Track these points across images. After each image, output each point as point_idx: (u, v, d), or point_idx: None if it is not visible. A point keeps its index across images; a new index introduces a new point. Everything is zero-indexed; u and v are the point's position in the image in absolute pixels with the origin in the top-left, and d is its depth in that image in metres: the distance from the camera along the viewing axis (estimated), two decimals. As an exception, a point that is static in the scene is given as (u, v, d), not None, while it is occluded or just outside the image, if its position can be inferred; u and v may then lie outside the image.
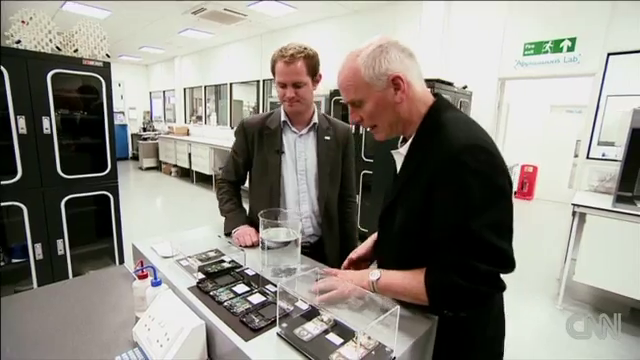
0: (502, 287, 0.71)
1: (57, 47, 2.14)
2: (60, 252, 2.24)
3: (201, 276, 0.97)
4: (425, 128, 0.78)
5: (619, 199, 2.46)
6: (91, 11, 4.94)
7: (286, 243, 0.99)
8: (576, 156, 5.39)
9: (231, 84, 7.22)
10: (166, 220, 5.01)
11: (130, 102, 9.88)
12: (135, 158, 9.33)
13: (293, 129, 1.31)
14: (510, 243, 0.70)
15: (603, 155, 3.03)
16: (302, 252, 1.31)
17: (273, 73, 1.23)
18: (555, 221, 4.90)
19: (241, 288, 0.92)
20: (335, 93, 4.05)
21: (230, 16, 4.93)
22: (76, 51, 2.19)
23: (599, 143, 3.08)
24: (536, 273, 3.28)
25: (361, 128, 3.84)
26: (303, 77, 1.19)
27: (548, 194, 6.31)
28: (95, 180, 2.35)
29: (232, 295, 0.88)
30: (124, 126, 9.60)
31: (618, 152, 2.87)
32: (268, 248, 0.99)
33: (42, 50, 2.09)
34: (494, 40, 3.55)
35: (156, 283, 0.90)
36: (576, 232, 2.63)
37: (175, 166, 7.82)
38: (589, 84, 3.13)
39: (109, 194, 2.43)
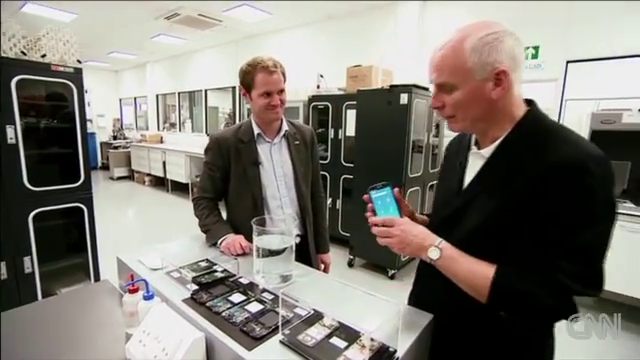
0: (575, 309, 0.64)
1: (22, 51, 2.02)
2: (27, 270, 2.09)
3: (195, 287, 0.95)
4: (525, 132, 0.71)
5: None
6: (55, 13, 4.71)
7: (283, 250, 0.98)
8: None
9: (206, 90, 7.09)
10: (142, 232, 4.81)
11: (98, 109, 9.44)
12: (105, 167, 8.90)
13: (267, 139, 1.38)
14: (604, 262, 0.64)
15: (565, 156, 3.25)
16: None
17: (248, 85, 1.27)
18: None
19: (237, 297, 0.91)
20: (313, 99, 4.08)
21: (204, 22, 4.86)
22: (44, 56, 2.07)
23: (562, 144, 3.30)
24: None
25: (340, 133, 3.89)
26: (283, 84, 1.29)
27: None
28: (67, 192, 2.22)
29: (229, 305, 0.86)
30: (92, 134, 9.13)
31: (580, 152, 3.08)
32: (263, 256, 0.98)
33: (5, 55, 1.96)
34: (465, 48, 3.72)
35: (149, 297, 0.87)
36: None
37: (149, 175, 7.54)
38: (552, 89, 3.35)
39: (83, 206, 2.30)
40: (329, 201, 4.08)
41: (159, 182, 7.42)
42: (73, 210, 2.29)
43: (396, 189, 0.83)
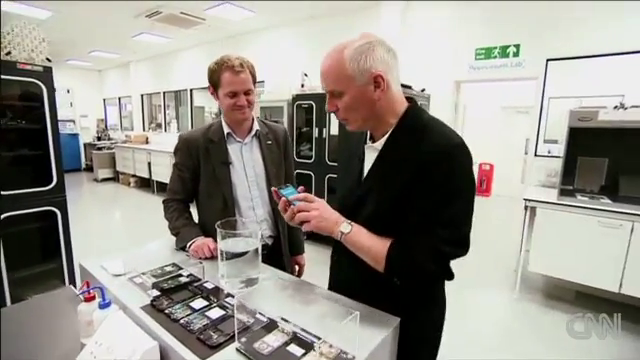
0: (451, 274, 0.81)
1: (-15, 50, 1.94)
2: (-4, 277, 2.01)
3: (156, 293, 0.91)
4: (406, 126, 0.83)
5: (562, 192, 2.67)
6: (29, 10, 4.55)
7: (245, 253, 0.95)
8: (526, 153, 5.81)
9: (191, 90, 6.99)
10: (127, 234, 4.70)
11: (82, 110, 9.21)
12: (89, 169, 8.70)
13: (237, 139, 1.35)
14: (470, 228, 0.79)
15: (549, 152, 3.29)
16: (261, 254, 1.31)
17: (215, 84, 1.25)
18: (511, 215, 5.23)
19: (199, 303, 0.87)
20: (297, 98, 4.05)
21: (187, 20, 4.78)
22: (9, 54, 1.99)
23: (545, 141, 3.34)
24: (495, 267, 3.47)
25: (324, 132, 3.86)
26: (251, 84, 1.26)
27: (504, 190, 6.72)
28: (38, 195, 2.15)
29: (189, 311, 0.83)
30: (75, 135, 8.93)
31: (561, 149, 3.13)
32: (227, 259, 0.95)
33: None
34: (448, 45, 3.74)
35: (104, 305, 0.83)
36: (528, 225, 2.82)
37: (134, 176, 7.40)
38: (533, 87, 3.39)
39: (56, 210, 2.23)
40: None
41: (144, 183, 7.29)
42: (46, 214, 2.21)
43: (301, 187, 0.93)
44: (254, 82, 1.29)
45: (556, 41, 3.13)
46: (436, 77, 3.83)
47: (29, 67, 2.02)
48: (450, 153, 0.76)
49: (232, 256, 0.94)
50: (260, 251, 0.99)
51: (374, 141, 0.89)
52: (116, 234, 4.74)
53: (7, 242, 2.04)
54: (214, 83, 1.25)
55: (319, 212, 0.84)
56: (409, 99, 0.89)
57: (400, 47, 3.93)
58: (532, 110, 3.49)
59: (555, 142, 3.28)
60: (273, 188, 0.93)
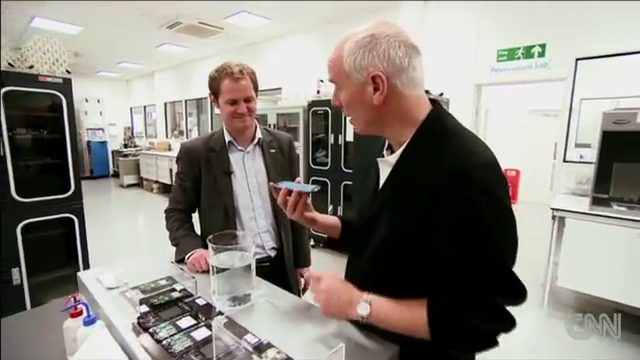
0: (515, 322, 0.62)
1: (10, 63, 2.03)
2: (16, 282, 2.08)
3: (145, 309, 0.88)
4: (423, 138, 0.69)
5: (595, 201, 2.47)
6: (62, 27, 4.83)
7: (239, 269, 0.91)
8: (555, 159, 5.49)
9: (212, 97, 7.14)
10: (148, 240, 4.82)
11: (110, 118, 9.66)
12: (116, 175, 9.07)
13: (239, 147, 1.31)
14: (513, 266, 0.64)
15: (581, 157, 3.06)
16: (263, 267, 1.27)
17: (217, 92, 1.23)
18: (539, 224, 4.93)
19: (186, 322, 0.83)
20: (313, 104, 4.02)
21: (206, 29, 4.89)
22: (31, 67, 2.08)
23: (576, 145, 3.12)
24: (520, 278, 3.24)
25: (340, 138, 3.80)
26: (252, 92, 1.22)
27: (531, 197, 6.38)
28: (57, 202, 2.22)
29: (174, 331, 0.79)
30: (104, 143, 9.36)
31: (595, 154, 2.90)
32: (216, 273, 0.91)
33: (-6, 67, 1.98)
34: (469, 47, 3.60)
35: (89, 321, 0.80)
36: (556, 236, 2.62)
37: (157, 182, 7.63)
38: (560, 88, 3.18)
39: (73, 217, 2.29)
40: (330, 208, 4.00)
41: (167, 189, 7.49)
42: (64, 221, 2.28)
43: (298, 178, 0.91)
44: (255, 89, 1.25)
45: (585, 39, 2.93)
46: (455, 80, 3.68)
47: (50, 79, 2.10)
48: (467, 176, 0.59)
49: (219, 270, 0.89)
50: (254, 267, 0.94)
51: (391, 152, 0.77)
52: (139, 239, 4.88)
53: (27, 248, 2.11)
54: (214, 91, 1.23)
55: (326, 297, 0.72)
56: (432, 101, 0.74)
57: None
58: (560, 113, 3.27)
59: (588, 146, 3.05)
60: (271, 183, 0.90)
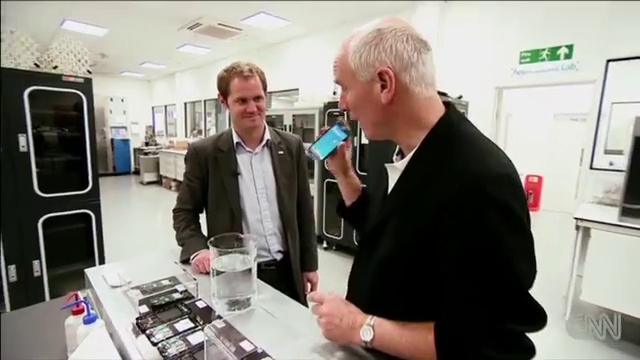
0: (534, 350, 0.57)
1: (35, 64, 2.11)
2: (37, 274, 2.16)
3: (145, 310, 0.88)
4: (434, 143, 0.64)
5: (625, 212, 2.31)
6: (90, 29, 5.02)
7: (240, 272, 0.89)
8: (581, 165, 5.25)
9: (230, 98, 7.25)
10: (164, 237, 4.93)
11: (133, 117, 9.98)
12: (137, 172, 9.36)
13: (247, 149, 1.30)
14: (530, 287, 0.58)
15: (611, 164, 2.89)
16: (269, 270, 1.25)
17: (226, 92, 1.22)
18: (562, 233, 4.70)
19: (184, 325, 0.82)
20: (329, 106, 3.99)
21: (225, 30, 4.96)
22: (55, 67, 2.16)
23: (605, 152, 2.94)
24: (541, 289, 3.09)
25: (355, 140, 3.76)
26: (261, 91, 1.21)
27: (555, 204, 6.11)
28: (75, 198, 2.29)
29: (171, 333, 0.78)
30: (126, 141, 9.67)
31: (626, 161, 2.73)
32: (218, 275, 0.89)
33: (19, 67, 2.05)
34: (489, 48, 3.48)
35: (89, 320, 0.80)
36: (581, 247, 2.48)
37: (175, 180, 7.80)
38: (589, 92, 3.02)
39: (90, 212, 2.36)
40: (343, 210, 3.95)
41: (184, 187, 7.65)
42: (82, 216, 2.35)
43: (343, 143, 0.85)
44: (264, 89, 1.24)
45: (617, 39, 2.76)
46: (475, 83, 3.57)
47: (72, 79, 2.17)
48: (480, 189, 0.54)
49: (220, 272, 0.88)
50: (254, 271, 0.92)
51: (402, 157, 0.72)
52: (153, 236, 4.99)
53: (47, 241, 2.19)
54: (223, 91, 1.23)
55: (327, 321, 0.69)
56: (446, 104, 0.69)
57: (436, 51, 3.77)
58: (588, 117, 3.11)
59: (619, 153, 2.87)
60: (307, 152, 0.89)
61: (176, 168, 7.58)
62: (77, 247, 2.49)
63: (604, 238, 2.31)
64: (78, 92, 2.21)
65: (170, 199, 7.18)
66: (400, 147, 0.74)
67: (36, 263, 2.16)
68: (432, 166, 0.62)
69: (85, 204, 2.32)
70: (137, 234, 4.83)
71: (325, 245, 4.15)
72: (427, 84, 0.65)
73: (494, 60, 3.45)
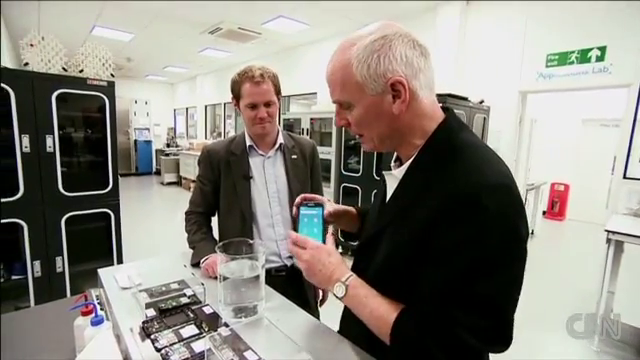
0: None
1: (63, 68, 2.20)
2: (59, 269, 2.24)
3: (152, 313, 0.87)
4: (433, 151, 0.63)
5: (663, 225, 2.15)
6: (117, 34, 5.22)
7: (248, 279, 0.87)
8: (613, 174, 4.97)
9: (249, 101, 7.35)
10: (181, 237, 5.03)
11: (155, 119, 10.31)
12: (158, 173, 9.63)
13: (260, 152, 1.29)
14: (514, 311, 0.56)
15: (646, 174, 2.72)
16: (279, 276, 1.23)
17: (236, 96, 1.22)
18: (590, 245, 4.46)
19: (189, 331, 0.81)
20: (346, 109, 3.96)
21: (245, 35, 5.04)
22: (81, 71, 2.24)
23: (640, 160, 2.77)
24: (567, 306, 2.93)
25: (372, 144, 3.71)
26: (272, 96, 1.19)
27: (582, 214, 5.80)
28: (96, 198, 2.36)
29: (175, 340, 0.77)
30: (149, 142, 9.98)
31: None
32: (225, 281, 0.88)
33: (49, 71, 2.15)
34: (513, 51, 3.35)
35: (96, 322, 0.80)
36: (612, 261, 2.32)
37: (194, 181, 7.96)
38: (624, 96, 2.85)
39: (110, 212, 2.43)
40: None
41: (203, 188, 7.80)
42: (102, 215, 2.41)
43: (327, 211, 0.81)
44: (278, 93, 1.23)
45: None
46: (498, 87, 3.45)
47: (96, 82, 2.24)
48: (476, 201, 0.52)
49: (225, 278, 0.86)
50: (263, 278, 0.90)
51: (400, 164, 0.71)
52: (170, 236, 5.10)
53: (69, 239, 2.26)
54: (236, 94, 1.22)
55: (307, 264, 0.69)
56: (444, 109, 0.68)
57: (457, 54, 3.66)
58: (622, 123, 2.93)
59: (655, 162, 2.70)
60: (300, 197, 0.84)
61: (195, 170, 7.73)
62: (97, 245, 2.56)
63: (639, 253, 2.15)
64: (101, 95, 2.27)
65: (187, 200, 7.35)
66: (398, 155, 0.73)
67: (59, 259, 2.23)
68: (430, 173, 0.61)
69: (105, 203, 2.39)
70: (155, 234, 4.95)
71: (341, 250, 4.10)
72: (431, 89, 0.64)
73: (518, 63, 3.32)
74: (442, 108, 0.68)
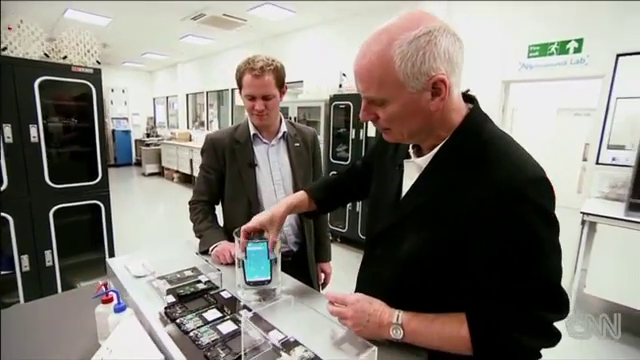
0: (560, 335, 0.61)
1: (45, 54, 2.09)
2: (48, 263, 2.18)
3: (172, 299, 0.89)
4: (461, 143, 0.63)
5: (632, 207, 2.33)
6: (92, 18, 4.96)
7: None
8: (585, 160, 5.26)
9: (233, 89, 7.20)
10: (167, 227, 4.96)
11: (134, 108, 9.92)
12: (139, 164, 9.35)
13: (264, 140, 1.31)
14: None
15: (613, 159, 2.91)
16: (285, 261, 1.26)
17: (239, 84, 1.21)
18: (564, 228, 4.73)
19: (212, 314, 0.84)
20: (335, 98, 3.98)
21: (230, 21, 4.90)
22: (65, 58, 2.14)
23: (609, 147, 2.95)
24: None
25: (361, 133, 3.76)
26: (272, 90, 1.19)
27: (557, 199, 6.13)
28: (85, 189, 2.30)
29: (201, 323, 0.80)
30: (128, 132, 9.63)
31: (629, 156, 2.74)
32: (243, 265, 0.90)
33: (29, 57, 2.04)
34: (497, 42, 3.45)
35: (119, 308, 0.82)
36: (586, 242, 2.50)
37: (177, 172, 7.80)
38: (597, 86, 3.01)
39: (100, 203, 2.37)
40: (349, 204, 3.97)
41: (187, 179, 7.66)
42: (91, 207, 2.36)
43: (271, 242, 0.86)
44: (280, 86, 1.22)
45: (629, 33, 2.74)
46: (482, 77, 3.55)
47: (81, 70, 2.15)
48: (524, 194, 0.55)
49: (242, 263, 0.89)
50: (280, 261, 0.94)
51: (420, 154, 0.70)
52: (157, 226, 5.02)
53: (58, 232, 2.20)
54: (238, 82, 1.22)
55: (354, 321, 0.70)
56: (469, 98, 0.68)
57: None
58: (595, 112, 3.10)
59: (622, 148, 2.88)
60: (243, 230, 0.88)
61: (178, 160, 7.58)
62: (87, 238, 2.51)
63: (610, 232, 2.33)
64: (87, 83, 2.20)
65: (173, 191, 7.23)
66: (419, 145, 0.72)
67: (48, 253, 2.18)
68: (465, 169, 0.62)
69: (95, 195, 2.33)
70: (141, 225, 4.85)
71: (330, 237, 4.17)
72: (459, 81, 0.63)
73: (502, 53, 3.42)
74: (465, 96, 0.68)
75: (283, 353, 0.68)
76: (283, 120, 1.34)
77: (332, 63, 4.75)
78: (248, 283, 0.88)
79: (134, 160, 9.82)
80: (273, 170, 1.31)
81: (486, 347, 0.60)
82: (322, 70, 4.85)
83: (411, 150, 0.74)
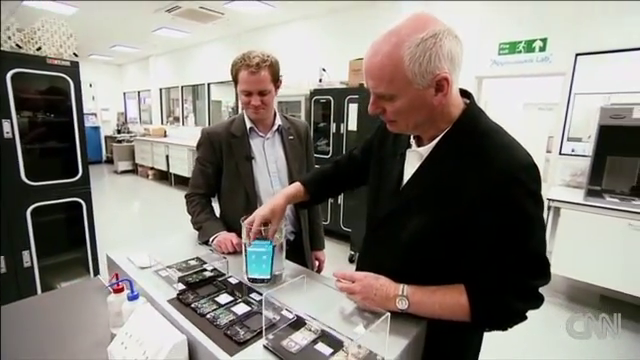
0: (543, 298, 0.70)
1: (17, 44, 1.99)
2: (27, 264, 2.10)
3: (181, 287, 0.92)
4: (461, 134, 0.71)
5: (590, 193, 2.57)
6: (56, 7, 4.67)
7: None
8: (549, 152, 5.65)
9: (209, 84, 7.05)
10: (145, 226, 4.83)
11: (103, 103, 9.46)
12: (109, 161, 8.95)
13: (260, 134, 1.34)
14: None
15: (572, 151, 3.17)
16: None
17: (235, 80, 1.24)
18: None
19: (224, 298, 0.88)
20: (315, 93, 4.03)
21: (206, 14, 4.80)
22: (39, 49, 2.05)
23: (568, 139, 3.22)
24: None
25: (342, 127, 3.83)
26: (268, 85, 1.22)
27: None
28: (65, 186, 2.22)
29: (215, 306, 0.84)
30: (97, 128, 9.19)
31: (585, 148, 3.01)
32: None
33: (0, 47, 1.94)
34: (471, 40, 3.63)
35: (133, 297, 0.84)
36: (552, 226, 2.73)
37: (152, 169, 7.56)
38: (559, 83, 3.26)
39: (81, 201, 2.30)
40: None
41: (162, 176, 7.44)
42: (72, 205, 2.28)
43: (272, 230, 0.93)
44: (276, 80, 1.25)
45: (587, 34, 2.99)
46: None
47: (57, 62, 2.07)
48: (515, 178, 0.64)
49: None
50: (285, 247, 0.99)
51: (420, 144, 0.77)
52: (135, 225, 4.87)
53: (36, 231, 2.12)
54: (233, 78, 1.24)
55: (362, 295, 0.76)
56: (465, 94, 0.76)
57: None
58: (557, 107, 3.36)
59: (579, 140, 3.15)
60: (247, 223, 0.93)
61: (153, 156, 7.34)
62: (67, 237, 2.43)
63: (572, 216, 2.56)
64: (64, 76, 2.11)
65: (148, 188, 7.01)
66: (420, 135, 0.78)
67: (26, 254, 2.09)
68: (466, 158, 0.69)
69: (75, 192, 2.26)
70: (119, 224, 4.69)
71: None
72: (458, 78, 0.70)
73: (475, 51, 3.61)
74: (462, 92, 0.75)
75: (300, 327, 0.74)
76: (277, 113, 1.38)
77: (311, 58, 4.78)
78: (249, 279, 0.94)
79: (104, 157, 9.40)
80: (269, 163, 1.35)
81: (483, 312, 0.69)
82: (302, 65, 4.87)
83: (412, 140, 0.80)
